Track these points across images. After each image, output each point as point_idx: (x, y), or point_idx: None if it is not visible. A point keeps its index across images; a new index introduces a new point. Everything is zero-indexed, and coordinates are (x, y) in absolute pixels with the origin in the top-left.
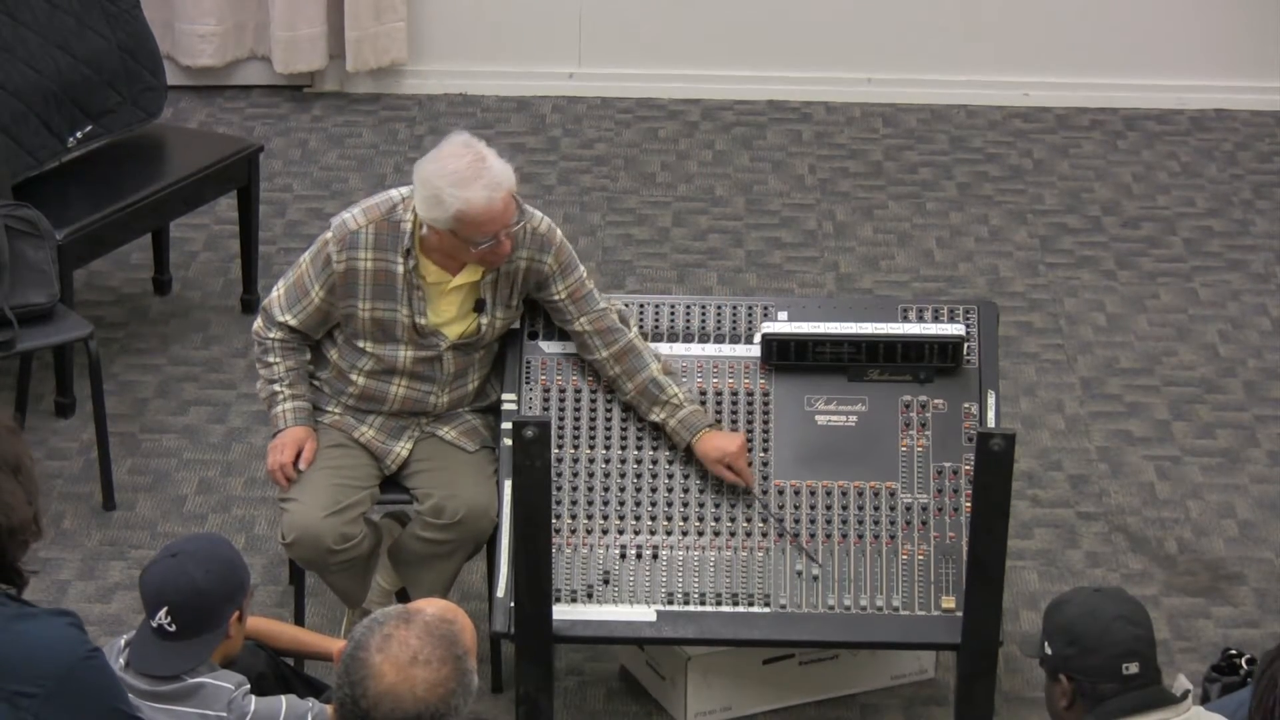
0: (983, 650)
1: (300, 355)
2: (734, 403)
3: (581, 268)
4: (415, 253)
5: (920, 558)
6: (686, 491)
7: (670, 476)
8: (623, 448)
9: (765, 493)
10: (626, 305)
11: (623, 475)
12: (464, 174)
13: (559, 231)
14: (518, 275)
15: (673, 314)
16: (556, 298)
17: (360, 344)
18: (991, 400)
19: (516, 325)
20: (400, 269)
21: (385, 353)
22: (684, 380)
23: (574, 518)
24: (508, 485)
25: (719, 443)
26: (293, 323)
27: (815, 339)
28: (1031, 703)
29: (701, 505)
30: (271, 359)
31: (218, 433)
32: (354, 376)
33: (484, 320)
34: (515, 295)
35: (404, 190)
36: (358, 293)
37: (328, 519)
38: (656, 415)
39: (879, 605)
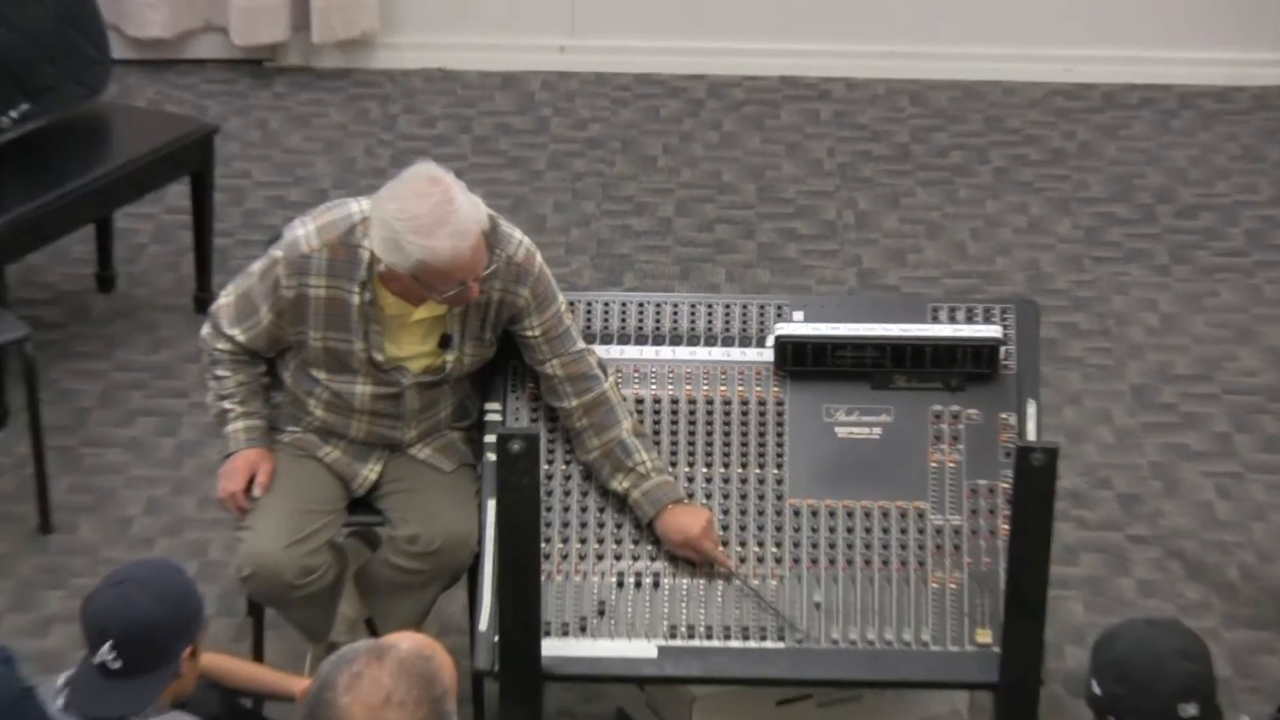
0: (1023, 690)
1: (253, 368)
2: (744, 413)
3: (560, 301)
4: (373, 284)
5: (953, 586)
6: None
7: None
8: None
9: (780, 513)
10: (624, 305)
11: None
12: (427, 219)
13: (538, 258)
14: (490, 308)
15: (675, 314)
16: (529, 334)
17: (315, 373)
18: (1032, 410)
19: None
20: (356, 299)
21: (341, 386)
22: (657, 441)
23: (565, 542)
24: (491, 506)
25: (680, 522)
26: (241, 339)
27: (835, 342)
28: None
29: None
30: (221, 372)
31: (167, 446)
32: (311, 406)
33: (450, 357)
34: (488, 329)
35: (364, 205)
36: (309, 320)
37: (288, 550)
38: (619, 484)
39: (906, 640)
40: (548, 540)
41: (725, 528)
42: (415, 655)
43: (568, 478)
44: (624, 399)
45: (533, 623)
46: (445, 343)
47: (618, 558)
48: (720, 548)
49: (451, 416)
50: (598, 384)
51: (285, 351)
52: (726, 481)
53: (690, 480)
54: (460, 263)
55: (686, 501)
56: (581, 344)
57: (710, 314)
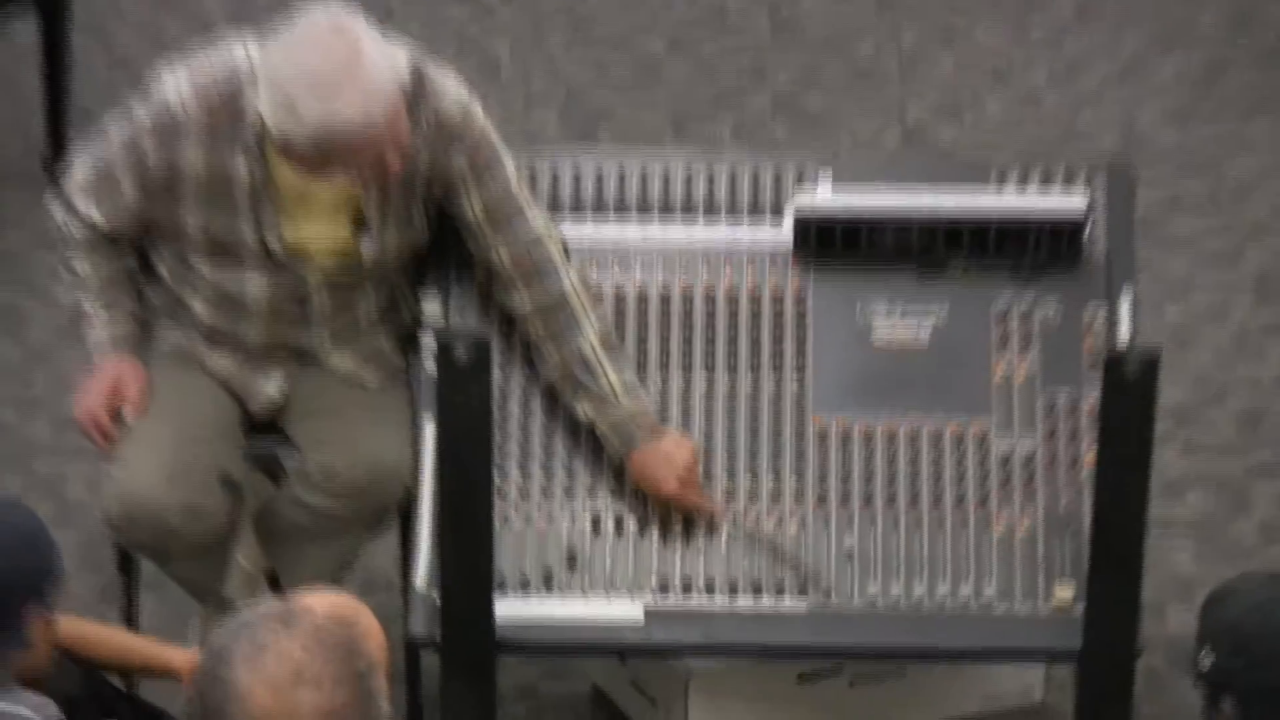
0: (1113, 662)
1: (120, 258)
2: (754, 310)
3: (509, 170)
4: (264, 154)
5: (1023, 531)
6: (684, 432)
7: (664, 417)
8: None
9: (802, 439)
10: (599, 170)
11: None
12: (329, 78)
13: (478, 116)
14: (417, 181)
15: (666, 181)
16: (467, 214)
17: (197, 265)
18: (1125, 305)
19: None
20: (242, 173)
21: (229, 282)
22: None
23: (526, 475)
24: (430, 430)
25: (652, 468)
26: (102, 222)
27: (871, 219)
28: None
29: (708, 456)
30: (78, 262)
31: (13, 356)
32: (195, 306)
33: (367, 244)
34: (417, 208)
35: (254, 51)
36: (184, 200)
37: (168, 487)
38: (583, 412)
39: (964, 598)
40: (503, 473)
41: (731, 456)
42: (334, 621)
43: (528, 393)
44: (595, 297)
45: (483, 578)
46: (358, 224)
47: (592, 495)
48: (707, 496)
49: (378, 317)
50: (556, 280)
51: (160, 236)
52: (732, 399)
53: (685, 399)
54: (373, 132)
55: (664, 435)
56: (538, 226)
57: (710, 181)
